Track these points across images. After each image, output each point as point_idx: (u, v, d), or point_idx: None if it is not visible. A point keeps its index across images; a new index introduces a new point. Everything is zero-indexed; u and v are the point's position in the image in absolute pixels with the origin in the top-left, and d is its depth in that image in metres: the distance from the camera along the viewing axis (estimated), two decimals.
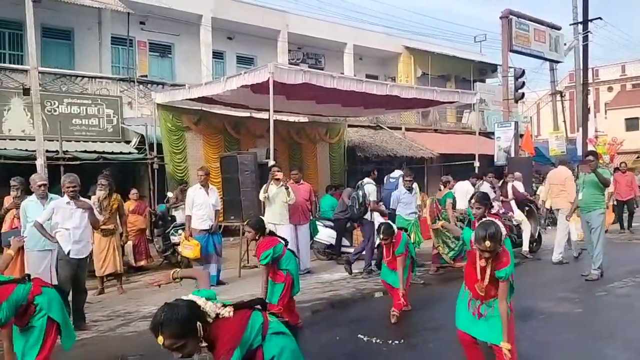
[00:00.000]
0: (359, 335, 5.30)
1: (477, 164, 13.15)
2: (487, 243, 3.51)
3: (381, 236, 6.12)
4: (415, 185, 9.41)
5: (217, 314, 2.39)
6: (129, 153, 13.08)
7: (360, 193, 9.06)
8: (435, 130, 21.95)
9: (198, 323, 2.26)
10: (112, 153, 12.71)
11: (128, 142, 13.84)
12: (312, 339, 5.36)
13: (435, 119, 22.46)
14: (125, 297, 7.52)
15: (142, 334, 5.68)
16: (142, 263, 9.48)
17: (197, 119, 13.10)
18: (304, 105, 12.93)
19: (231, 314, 2.42)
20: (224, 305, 2.44)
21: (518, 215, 10.38)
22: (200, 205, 8.02)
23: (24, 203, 6.22)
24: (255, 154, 9.58)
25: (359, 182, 9.57)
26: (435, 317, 6.00)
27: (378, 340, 5.15)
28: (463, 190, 9.93)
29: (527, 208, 10.66)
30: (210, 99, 11.86)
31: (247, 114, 14.00)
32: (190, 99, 11.77)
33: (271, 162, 9.28)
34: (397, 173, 10.67)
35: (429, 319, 6.00)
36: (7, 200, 7.86)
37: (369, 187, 9.23)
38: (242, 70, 11.92)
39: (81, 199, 5.94)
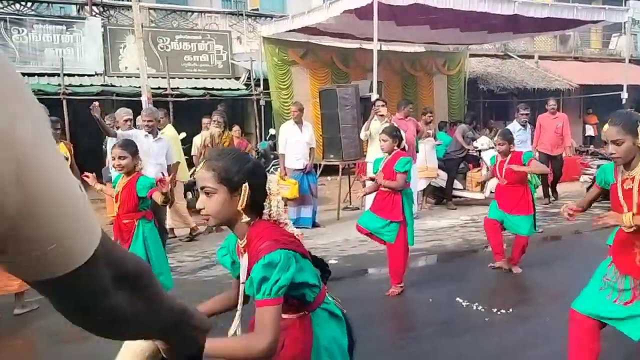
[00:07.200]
0: (457, 299, 4.48)
1: (624, 95, 11.14)
2: (606, 126, 2.66)
3: (497, 139, 5.24)
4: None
5: (274, 213, 1.79)
6: (237, 89, 12.87)
7: None
8: (576, 58, 19.18)
9: (246, 185, 1.71)
10: (221, 89, 12.57)
11: (238, 78, 13.65)
12: (399, 299, 4.65)
13: (577, 45, 19.58)
14: (216, 236, 7.33)
15: (221, 279, 5.37)
16: None
17: (304, 52, 12.46)
18: (417, 32, 11.67)
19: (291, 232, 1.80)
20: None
21: None
22: (294, 143, 7.49)
23: (108, 139, 6.10)
24: (356, 87, 8.73)
25: None
26: (558, 281, 4.96)
27: (480, 307, 4.30)
28: None
29: None
30: (316, 29, 11.11)
31: (357, 45, 13.01)
32: (295, 30, 11.13)
33: (374, 96, 8.44)
34: None
35: (549, 282, 4.98)
36: None
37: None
38: None
39: (159, 135, 5.65)
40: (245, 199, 1.70)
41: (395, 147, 4.66)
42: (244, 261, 1.77)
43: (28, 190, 0.52)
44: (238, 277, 1.85)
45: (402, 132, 5.03)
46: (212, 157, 1.78)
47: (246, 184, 1.71)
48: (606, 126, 2.65)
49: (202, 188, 1.74)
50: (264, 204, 1.78)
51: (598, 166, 8.44)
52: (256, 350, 1.54)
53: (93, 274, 0.63)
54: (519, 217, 5.05)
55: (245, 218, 1.73)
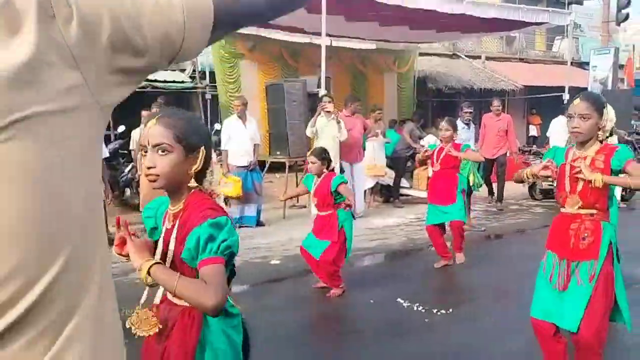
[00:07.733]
0: (398, 299, 4.39)
1: (566, 96, 11.43)
2: (577, 101, 2.67)
3: (443, 124, 5.46)
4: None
5: (214, 181, 1.78)
6: (182, 82, 12.45)
7: None
8: (521, 60, 19.71)
9: (203, 148, 1.69)
10: (164, 82, 12.11)
11: (183, 70, 13.20)
12: (341, 300, 4.51)
13: (522, 46, 20.14)
14: None
15: None
16: None
17: (252, 45, 12.16)
18: (367, 29, 11.60)
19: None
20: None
21: None
22: (237, 139, 7.24)
23: None
24: (304, 82, 8.58)
25: None
26: (499, 280, 4.96)
27: (420, 308, 4.22)
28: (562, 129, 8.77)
29: None
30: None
31: (307, 40, 12.83)
32: None
33: (322, 92, 8.28)
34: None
35: (491, 281, 4.96)
36: None
37: None
38: None
39: None
40: (202, 162, 1.68)
41: (325, 170, 4.52)
42: (170, 226, 1.72)
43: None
44: (155, 242, 1.80)
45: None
46: (167, 114, 1.68)
47: (203, 147, 1.68)
48: (577, 100, 2.67)
49: (156, 145, 1.63)
50: (207, 171, 1.78)
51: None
52: (202, 305, 1.50)
53: (226, 19, 0.84)
54: (447, 206, 5.22)
55: (193, 183, 1.70)
